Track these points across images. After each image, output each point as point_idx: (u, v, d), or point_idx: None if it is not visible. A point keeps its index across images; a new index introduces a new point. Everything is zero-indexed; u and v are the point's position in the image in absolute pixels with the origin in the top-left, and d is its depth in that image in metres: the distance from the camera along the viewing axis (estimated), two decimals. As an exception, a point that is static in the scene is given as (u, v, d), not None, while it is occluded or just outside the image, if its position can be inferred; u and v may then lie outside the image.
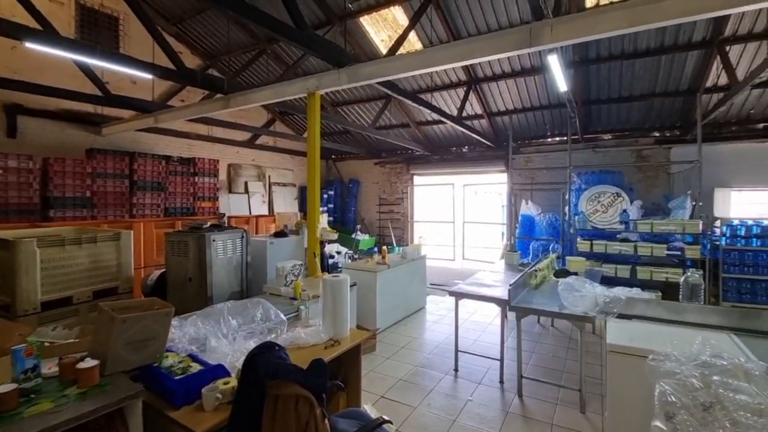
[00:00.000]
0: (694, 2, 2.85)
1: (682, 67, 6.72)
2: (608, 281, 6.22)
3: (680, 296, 3.23)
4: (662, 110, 7.90)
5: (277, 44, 7.93)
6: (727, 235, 5.38)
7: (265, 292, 3.49)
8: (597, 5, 5.65)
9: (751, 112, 7.50)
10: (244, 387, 1.72)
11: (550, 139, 9.49)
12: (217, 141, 9.07)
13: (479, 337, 4.76)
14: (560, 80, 4.87)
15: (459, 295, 3.72)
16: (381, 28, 7.09)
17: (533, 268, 3.94)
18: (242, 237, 3.94)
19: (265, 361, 1.69)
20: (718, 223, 5.90)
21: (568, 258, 4.48)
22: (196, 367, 2.04)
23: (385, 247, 5.23)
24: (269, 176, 10.77)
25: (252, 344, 2.20)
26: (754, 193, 8.30)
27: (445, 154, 11.02)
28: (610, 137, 8.93)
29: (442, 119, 8.10)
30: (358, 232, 9.94)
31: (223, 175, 9.55)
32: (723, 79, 6.64)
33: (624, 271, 6.13)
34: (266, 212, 10.34)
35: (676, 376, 2.07)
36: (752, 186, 8.14)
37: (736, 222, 5.50)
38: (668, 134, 8.41)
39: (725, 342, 2.45)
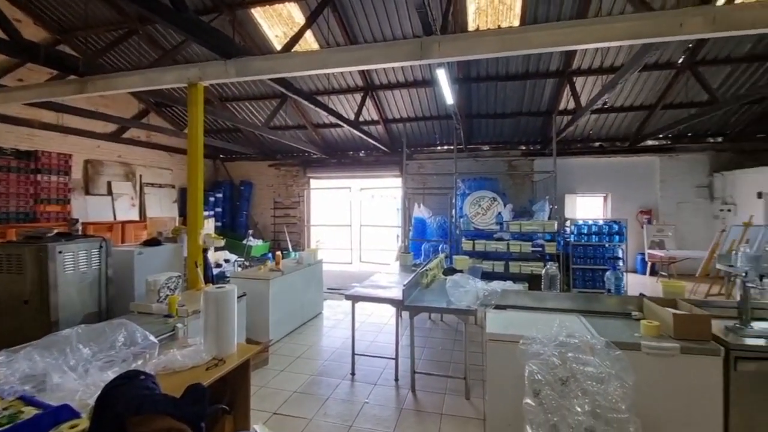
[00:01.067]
0: (549, 38, 3.37)
1: (542, 91, 7.93)
2: (487, 276, 6.94)
3: (542, 286, 3.72)
4: (527, 127, 9.20)
5: (152, 25, 6.97)
6: (575, 233, 6.50)
7: (133, 311, 2.99)
8: (477, 29, 6.30)
9: (591, 132, 9.22)
10: (97, 428, 1.41)
11: (439, 148, 10.27)
12: (70, 132, 7.56)
13: (376, 338, 4.85)
14: (447, 93, 5.28)
15: (355, 299, 3.73)
16: (275, 23, 6.78)
17: (424, 268, 4.17)
18: (101, 247, 3.32)
19: (126, 393, 1.42)
20: (568, 223, 7.06)
21: (454, 257, 4.85)
22: (30, 412, 1.63)
23: (279, 253, 4.97)
24: (140, 176, 9.40)
25: (111, 375, 1.84)
26: (592, 198, 10.21)
27: (343, 157, 11.08)
28: (488, 148, 10.06)
29: (340, 122, 8.12)
30: (251, 238, 9.31)
31: (78, 173, 8.01)
32: (571, 104, 8.01)
33: (499, 266, 6.90)
34: (137, 217, 8.99)
35: (540, 356, 2.38)
36: (591, 193, 10.01)
37: (581, 222, 6.66)
38: (532, 148, 9.82)
39: (575, 323, 2.92)
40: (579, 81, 7.47)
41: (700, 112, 7.30)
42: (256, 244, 9.15)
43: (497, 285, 3.43)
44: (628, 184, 9.52)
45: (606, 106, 8.06)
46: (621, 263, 6.33)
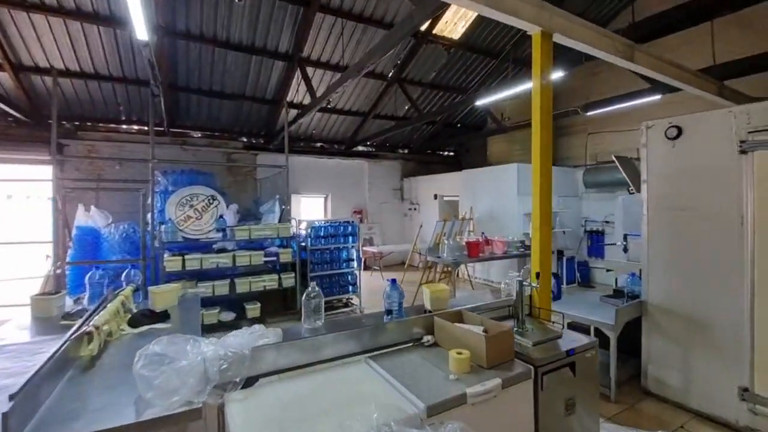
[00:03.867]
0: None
1: (269, 75, 6.83)
2: (207, 302, 5.19)
3: (303, 317, 2.51)
4: (250, 115, 7.89)
5: None
6: (312, 236, 5.77)
7: None
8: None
9: (314, 132, 8.98)
10: None
11: (126, 126, 7.29)
12: None
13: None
14: (137, 16, 3.20)
15: None
16: None
17: (85, 327, 2.08)
18: None
19: None
20: (303, 225, 6.29)
21: (151, 290, 2.91)
22: None
23: None
24: None
25: None
26: (315, 198, 10.13)
27: None
28: (200, 135, 8.02)
29: None
30: None
31: None
32: (299, 97, 7.35)
33: (223, 287, 5.28)
34: None
35: None
36: (314, 193, 9.88)
37: (318, 224, 6.01)
38: (255, 141, 8.60)
39: (373, 379, 1.91)
40: (310, 73, 6.87)
41: (397, 126, 8.36)
42: None
43: (240, 340, 1.94)
44: (344, 186, 10.00)
45: (330, 106, 7.93)
46: (355, 264, 6.15)
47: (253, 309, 5.46)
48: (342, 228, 5.94)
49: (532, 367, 2.00)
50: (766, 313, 2.62)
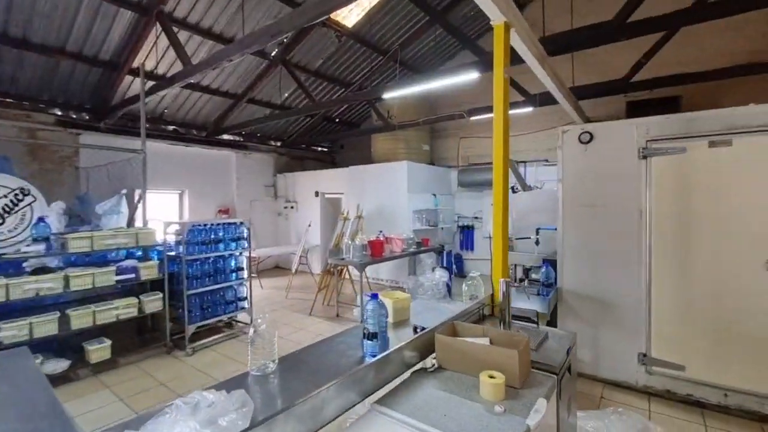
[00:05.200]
0: None
1: (110, 25, 5.04)
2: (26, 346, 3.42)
3: (250, 361, 1.79)
4: (72, 80, 5.75)
5: None
6: (188, 242, 4.48)
7: None
8: None
9: (165, 111, 7.20)
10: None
11: None
12: None
13: None
14: None
15: None
16: None
17: None
18: None
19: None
20: (173, 228, 4.86)
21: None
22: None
23: None
24: None
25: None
26: (166, 195, 8.17)
27: None
28: (-22, 100, 5.42)
29: None
30: None
31: None
32: (151, 63, 5.71)
33: (47, 324, 3.60)
34: None
35: None
36: (165, 188, 7.96)
37: (198, 226, 4.67)
38: (76, 116, 6.34)
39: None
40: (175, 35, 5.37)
41: (275, 114, 7.48)
42: None
43: (189, 425, 1.16)
44: (206, 180, 8.42)
45: (193, 81, 6.45)
46: (246, 274, 5.12)
47: (99, 350, 3.92)
48: (229, 231, 4.84)
49: (555, 375, 1.85)
50: (660, 292, 3.18)
